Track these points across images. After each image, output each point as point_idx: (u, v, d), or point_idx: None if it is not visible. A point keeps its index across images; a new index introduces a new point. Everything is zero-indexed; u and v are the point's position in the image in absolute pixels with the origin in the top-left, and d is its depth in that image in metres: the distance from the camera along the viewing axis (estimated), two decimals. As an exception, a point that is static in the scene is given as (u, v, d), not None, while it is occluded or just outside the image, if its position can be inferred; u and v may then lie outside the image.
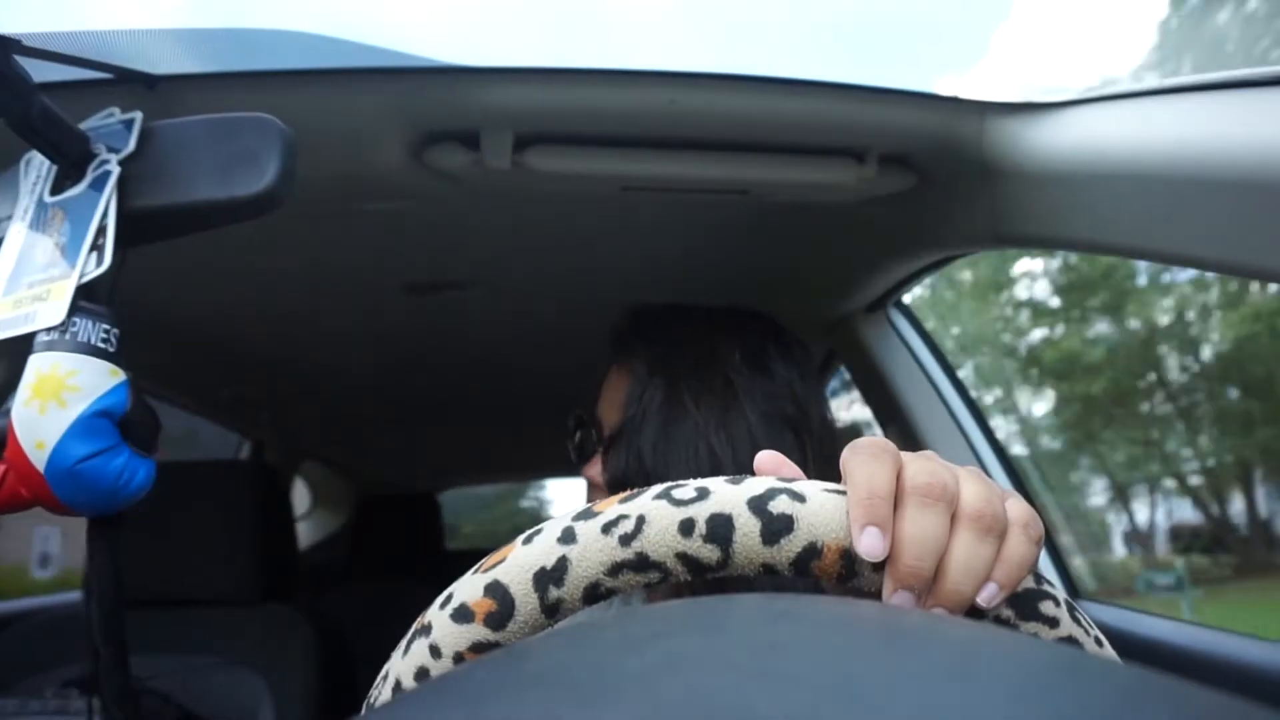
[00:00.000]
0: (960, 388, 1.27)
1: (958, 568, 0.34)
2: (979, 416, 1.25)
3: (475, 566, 0.36)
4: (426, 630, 0.35)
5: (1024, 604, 0.35)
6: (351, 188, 0.90)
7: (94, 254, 0.54)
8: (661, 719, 0.17)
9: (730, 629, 0.23)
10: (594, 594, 0.34)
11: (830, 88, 0.78)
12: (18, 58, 0.51)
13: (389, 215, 1.01)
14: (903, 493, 0.35)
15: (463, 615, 0.34)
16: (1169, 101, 0.65)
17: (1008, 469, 1.22)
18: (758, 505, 0.34)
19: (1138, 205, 0.67)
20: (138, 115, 0.58)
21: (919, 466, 0.36)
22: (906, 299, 1.31)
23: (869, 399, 1.37)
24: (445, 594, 0.36)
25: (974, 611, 0.35)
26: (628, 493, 0.36)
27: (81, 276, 0.53)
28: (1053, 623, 0.35)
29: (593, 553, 0.34)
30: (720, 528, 0.34)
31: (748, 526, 0.34)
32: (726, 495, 0.34)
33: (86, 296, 0.53)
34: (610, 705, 0.18)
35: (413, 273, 1.28)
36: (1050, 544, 1.18)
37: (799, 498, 0.34)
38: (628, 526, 0.34)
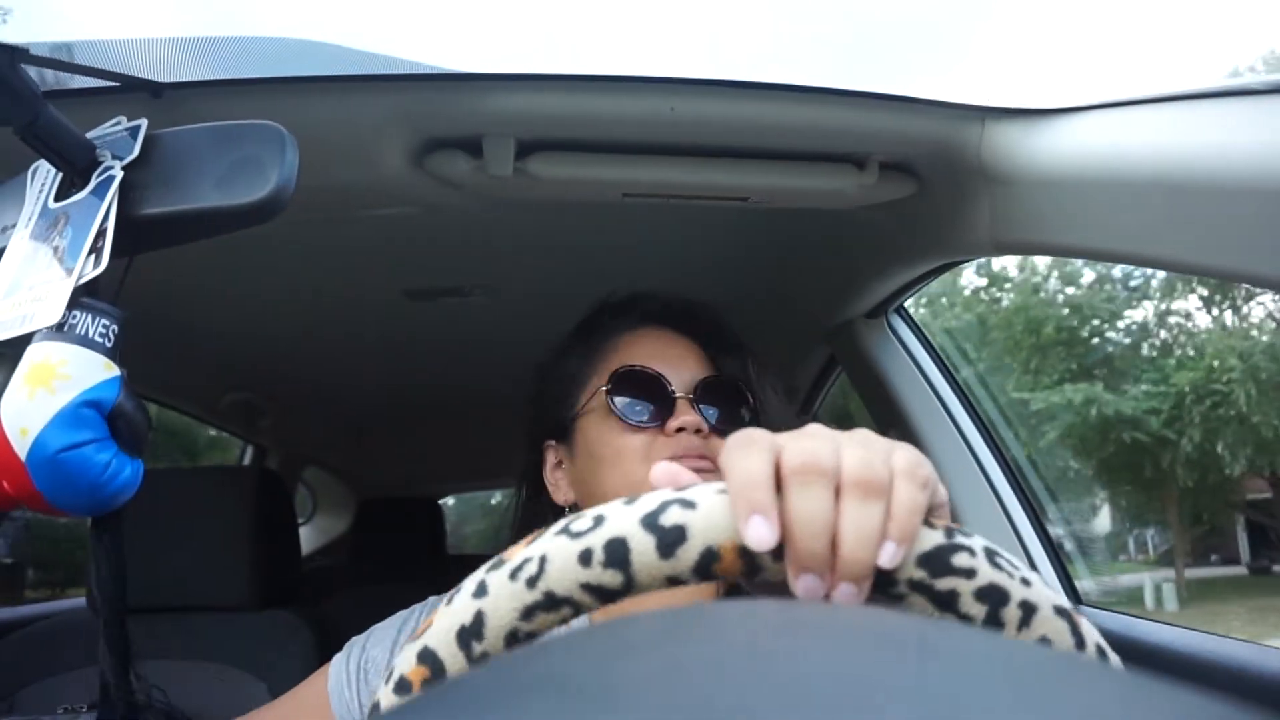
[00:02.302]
0: (961, 393, 1.27)
1: (848, 537, 0.34)
2: (979, 421, 1.25)
3: (412, 633, 0.37)
4: (376, 708, 0.37)
5: (935, 562, 0.34)
6: (354, 194, 0.91)
7: (92, 256, 0.54)
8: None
9: (731, 635, 0.23)
10: (515, 640, 0.35)
11: (830, 94, 0.78)
12: (25, 66, 0.52)
13: (391, 221, 1.01)
14: (783, 477, 0.35)
15: (403, 687, 0.35)
16: (1168, 109, 0.66)
17: (1009, 473, 1.22)
18: (650, 521, 0.34)
19: (1136, 211, 0.67)
20: (143, 122, 0.58)
21: (794, 447, 0.35)
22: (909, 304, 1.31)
23: (869, 405, 1.37)
24: (390, 666, 0.37)
25: (884, 578, 0.34)
26: (534, 534, 0.36)
27: (79, 278, 0.53)
28: (969, 574, 0.34)
29: (504, 601, 0.34)
30: (617, 551, 0.34)
31: (643, 545, 0.34)
32: (620, 518, 0.35)
33: (89, 294, 0.53)
34: (612, 711, 0.18)
35: (415, 279, 1.28)
36: (1052, 550, 1.18)
37: (689, 505, 0.34)
38: (532, 569, 0.34)
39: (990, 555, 0.35)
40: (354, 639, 0.77)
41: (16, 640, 1.19)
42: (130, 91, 0.69)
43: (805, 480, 0.34)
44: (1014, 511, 1.18)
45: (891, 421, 1.28)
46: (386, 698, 0.35)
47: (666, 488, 0.37)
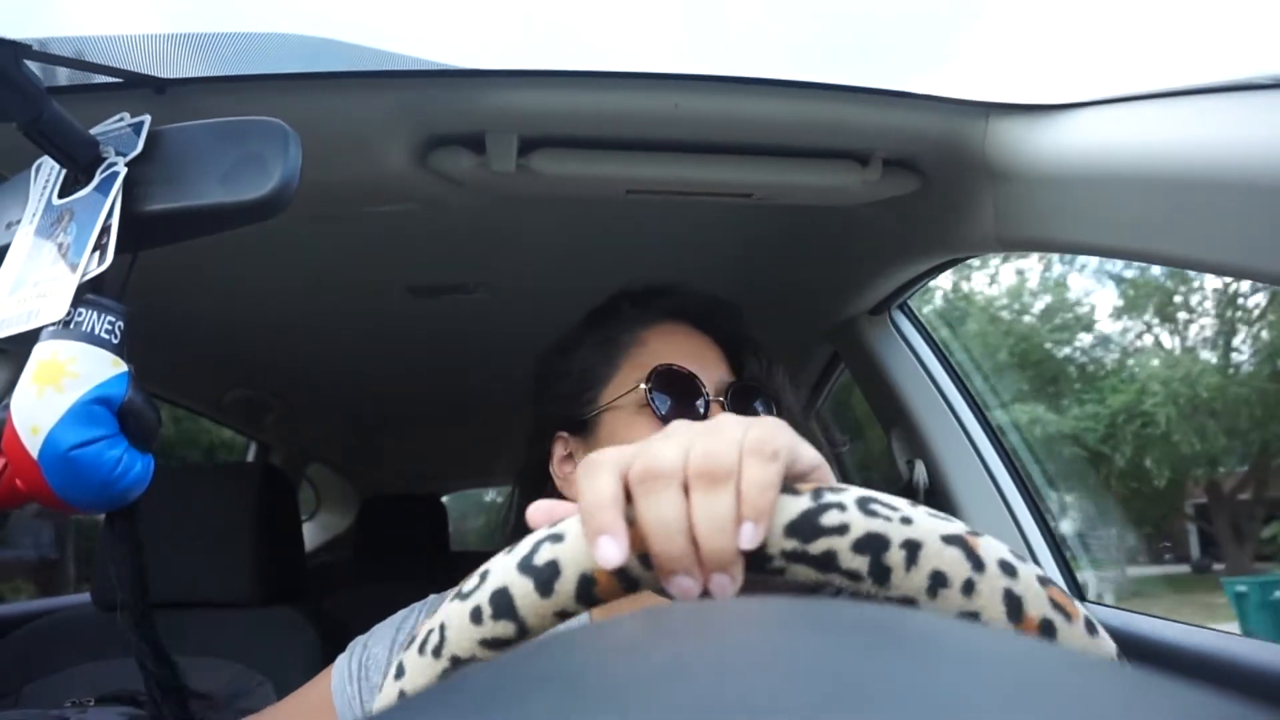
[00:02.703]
0: (965, 391, 1.26)
1: (703, 529, 0.34)
2: (983, 419, 1.25)
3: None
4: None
5: (804, 528, 0.34)
6: (357, 191, 0.91)
7: (96, 253, 0.54)
8: None
9: (734, 632, 0.23)
10: None
11: (834, 90, 0.78)
12: (29, 63, 0.52)
13: (394, 218, 1.01)
14: (631, 489, 0.35)
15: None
16: (1173, 104, 0.65)
17: (1012, 470, 1.22)
18: (526, 564, 0.35)
19: (1141, 208, 0.67)
20: (146, 118, 0.58)
21: (641, 457, 0.36)
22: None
23: (872, 402, 1.37)
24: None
25: (758, 556, 0.34)
26: (442, 600, 0.38)
27: (84, 275, 0.53)
28: (842, 530, 0.34)
29: (420, 677, 0.35)
30: (502, 601, 0.35)
31: (523, 589, 0.34)
32: (500, 568, 0.35)
33: (94, 291, 0.53)
34: (615, 709, 0.18)
35: (418, 275, 1.28)
36: (1055, 544, 1.18)
37: (558, 539, 0.35)
38: (435, 639, 0.35)
39: (864, 504, 0.35)
40: (357, 638, 0.77)
41: (21, 635, 1.19)
42: (134, 88, 0.69)
43: (649, 487, 0.35)
44: (1017, 507, 1.18)
45: (894, 418, 1.28)
46: None
47: (543, 526, 0.37)
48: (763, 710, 0.17)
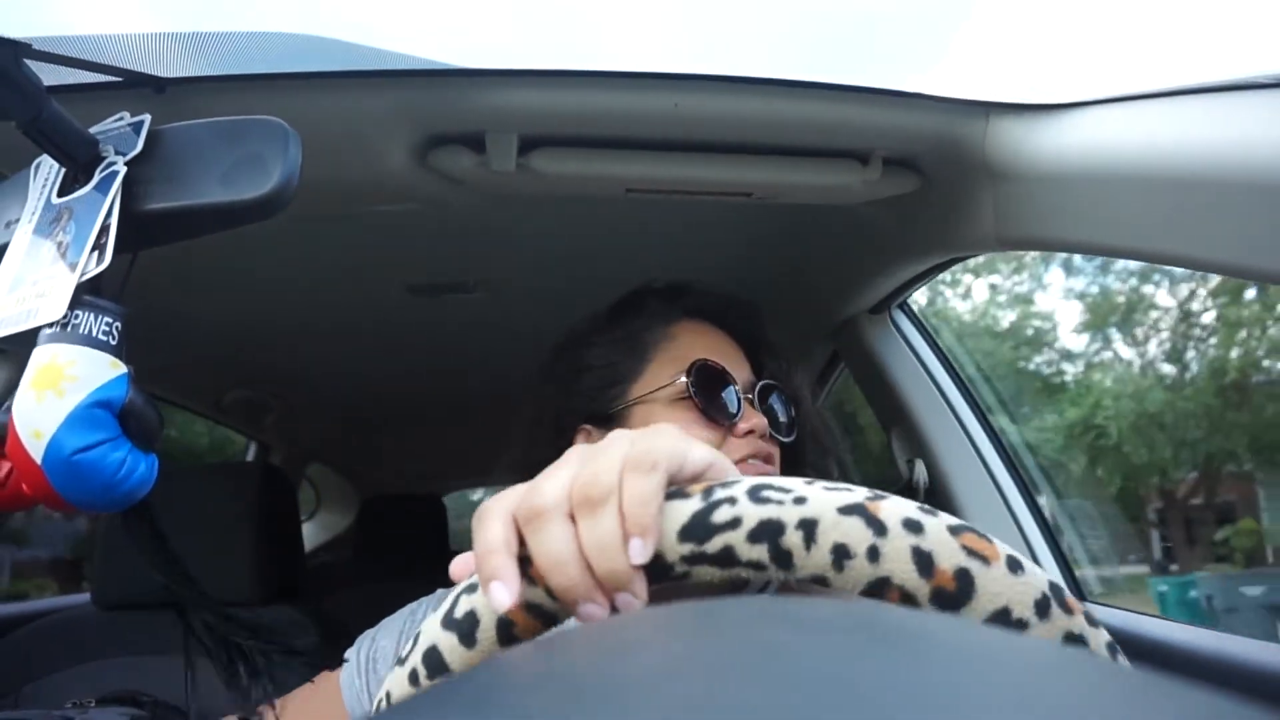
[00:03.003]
0: (964, 390, 1.26)
1: (592, 553, 0.34)
2: (983, 418, 1.25)
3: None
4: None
5: (696, 529, 0.34)
6: (356, 190, 0.91)
7: (95, 253, 0.54)
8: None
9: (730, 632, 0.23)
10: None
11: (834, 90, 0.78)
12: (28, 62, 0.52)
13: (394, 218, 1.01)
14: (520, 530, 0.36)
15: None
16: (1173, 103, 0.65)
17: (1012, 470, 1.22)
18: (449, 620, 0.37)
19: (1141, 207, 0.67)
20: (146, 118, 0.58)
21: (525, 496, 0.36)
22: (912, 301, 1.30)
23: (872, 401, 1.37)
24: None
25: (658, 567, 0.34)
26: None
27: (83, 275, 0.53)
28: (735, 523, 0.34)
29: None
30: (433, 660, 0.36)
31: (450, 644, 0.36)
32: (430, 628, 0.37)
33: (91, 291, 0.53)
34: (612, 709, 0.18)
35: (417, 275, 1.28)
36: (1055, 544, 1.18)
37: (473, 589, 0.37)
38: (384, 706, 0.36)
39: (754, 493, 0.34)
40: (366, 632, 0.78)
41: (21, 636, 1.19)
42: (133, 87, 0.69)
43: (534, 525, 0.35)
44: (1017, 506, 1.18)
45: (895, 418, 1.28)
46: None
47: (463, 578, 0.38)
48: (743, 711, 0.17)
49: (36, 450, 0.49)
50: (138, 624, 1.19)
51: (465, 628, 0.36)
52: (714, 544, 0.34)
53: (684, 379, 0.74)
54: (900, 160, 0.87)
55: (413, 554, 2.54)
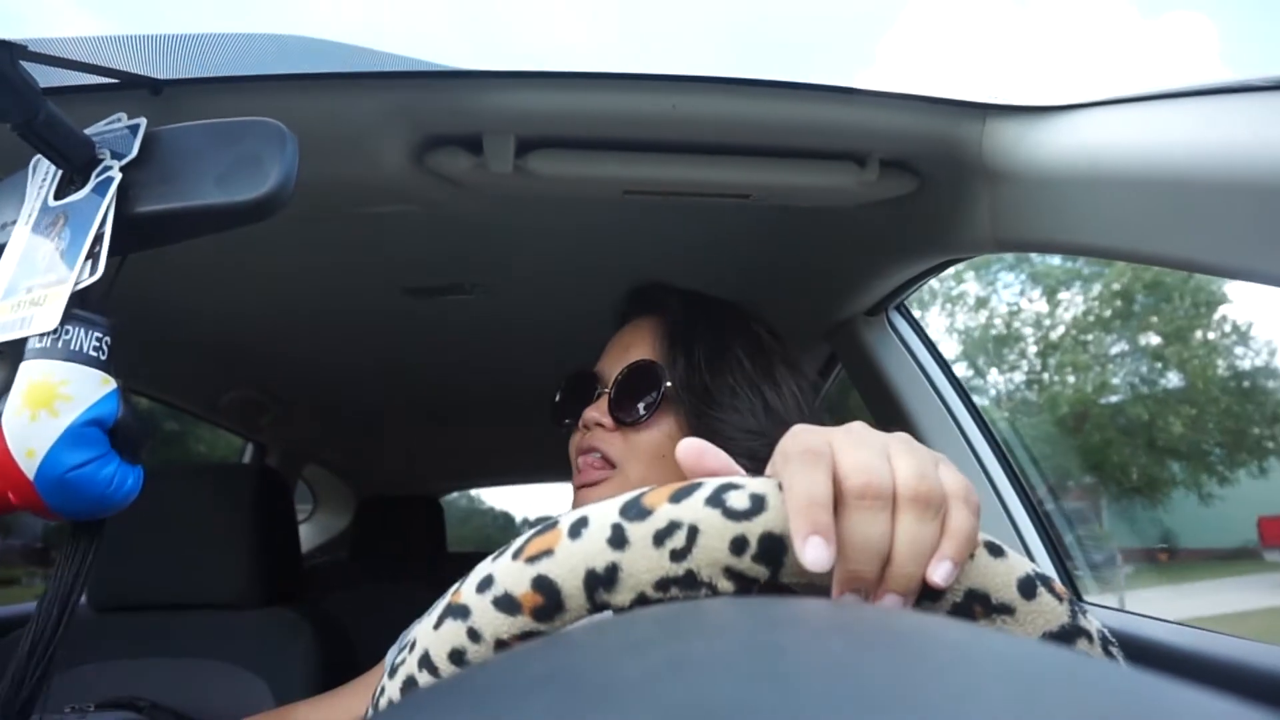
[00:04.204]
0: (961, 391, 1.27)
1: (905, 553, 0.33)
2: (980, 420, 1.25)
3: (515, 549, 0.35)
4: (462, 612, 0.35)
5: (1026, 588, 0.35)
6: (354, 192, 0.91)
7: (89, 261, 0.54)
8: (664, 721, 0.17)
9: (733, 632, 0.23)
10: (644, 602, 0.34)
11: (831, 91, 0.78)
12: (24, 63, 0.51)
13: (391, 219, 1.01)
14: (842, 496, 0.34)
15: (508, 606, 0.34)
16: (1170, 106, 0.65)
17: (1009, 473, 1.22)
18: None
19: (1138, 209, 0.67)
20: (142, 121, 0.58)
21: (853, 464, 0.35)
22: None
23: (869, 403, 1.37)
24: (481, 575, 0.35)
25: (929, 592, 0.34)
26: (678, 487, 0.35)
27: (76, 284, 0.53)
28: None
29: (643, 566, 0.33)
30: (773, 548, 0.33)
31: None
32: (777, 511, 0.34)
33: (80, 304, 0.53)
34: (613, 709, 0.18)
35: (415, 276, 1.28)
36: (1053, 547, 1.18)
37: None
38: (679, 540, 0.33)
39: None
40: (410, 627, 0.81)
41: (15, 639, 1.19)
42: (130, 89, 0.69)
43: (865, 504, 0.34)
44: (1014, 509, 1.18)
45: (892, 419, 1.28)
46: (482, 608, 0.34)
47: (694, 463, 0.39)
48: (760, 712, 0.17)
49: (29, 467, 0.50)
50: (133, 626, 1.19)
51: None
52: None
53: (557, 393, 0.86)
54: (897, 162, 0.88)
55: (410, 555, 2.54)
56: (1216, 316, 14.03)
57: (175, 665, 1.14)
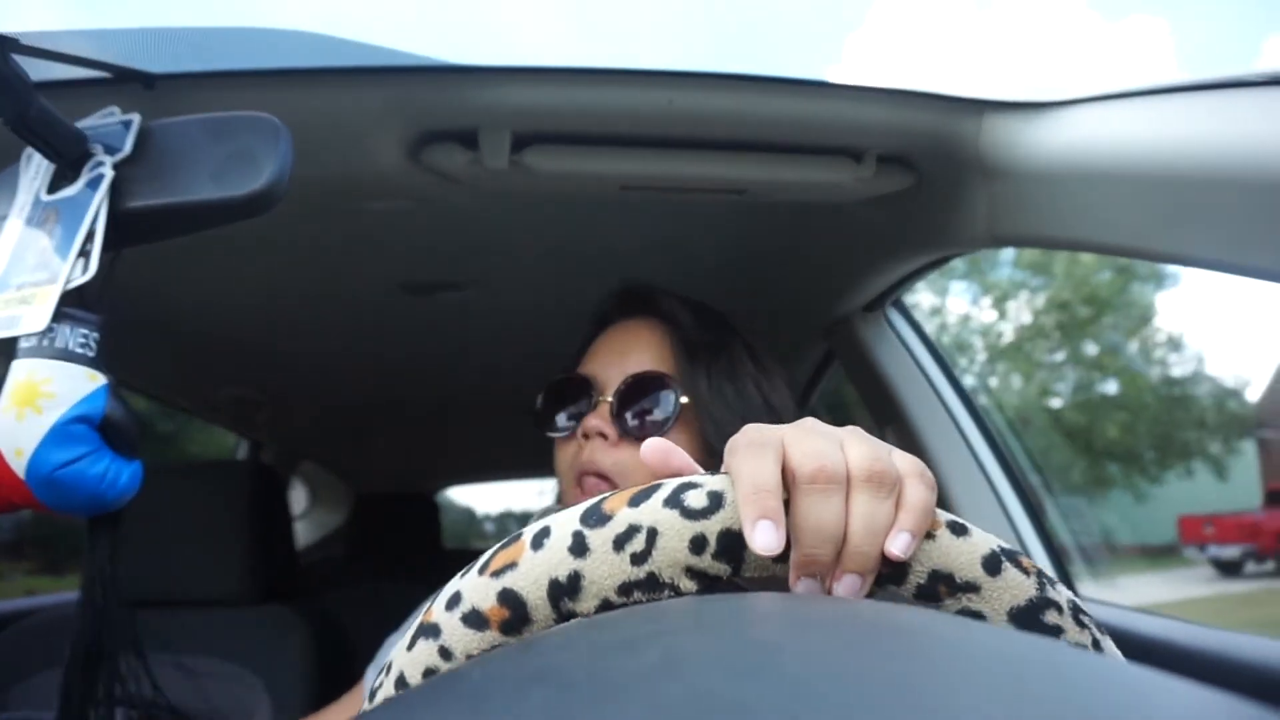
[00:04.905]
0: (958, 387, 1.27)
1: (860, 532, 0.33)
2: (977, 417, 1.25)
3: (481, 564, 0.35)
4: (434, 631, 0.35)
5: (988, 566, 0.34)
6: (349, 187, 0.90)
7: (81, 260, 0.53)
8: (661, 719, 0.17)
9: (729, 628, 0.23)
10: (608, 608, 0.34)
11: (828, 87, 0.78)
12: (15, 57, 0.51)
13: (386, 215, 1.01)
14: (793, 482, 0.34)
15: (476, 621, 0.34)
16: (1167, 101, 0.65)
17: (1007, 470, 1.22)
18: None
19: (1135, 204, 0.67)
20: (135, 117, 0.58)
21: (803, 451, 0.35)
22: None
23: (866, 400, 1.37)
24: (449, 592, 0.35)
25: (893, 575, 0.34)
26: (636, 490, 0.35)
27: (67, 283, 0.53)
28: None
29: (604, 571, 0.33)
30: (732, 544, 0.33)
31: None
32: (734, 507, 0.34)
33: (70, 302, 0.53)
34: (610, 705, 0.18)
35: (410, 272, 1.28)
36: (1049, 544, 1.18)
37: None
38: (639, 544, 0.33)
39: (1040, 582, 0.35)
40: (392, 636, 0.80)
41: (10, 635, 1.19)
42: (123, 82, 0.68)
43: (817, 488, 0.34)
44: (1011, 506, 1.18)
45: (889, 415, 1.28)
46: (451, 625, 0.34)
47: (658, 463, 0.39)
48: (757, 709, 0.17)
49: (19, 467, 0.50)
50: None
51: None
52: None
53: (539, 400, 0.81)
54: (894, 157, 0.87)
55: (406, 553, 2.54)
56: (1148, 329, 15.25)
57: (171, 662, 1.13)
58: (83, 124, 0.58)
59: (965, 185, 0.86)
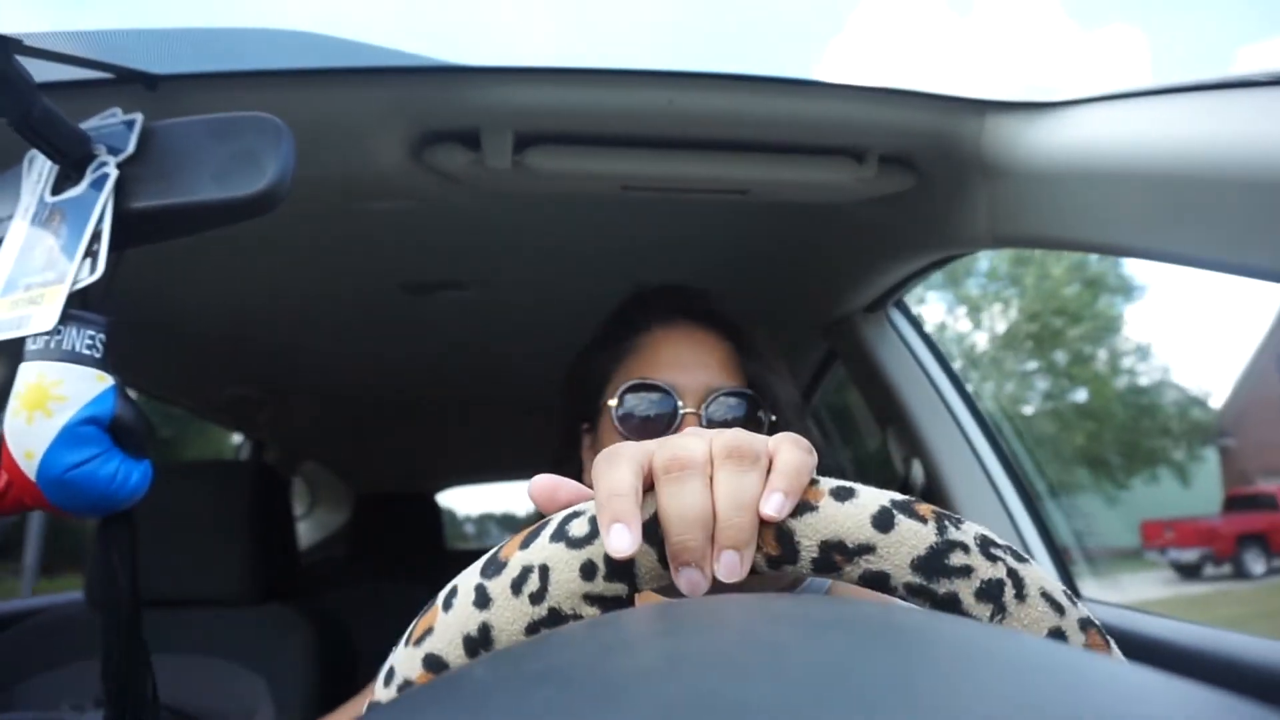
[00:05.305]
0: (960, 387, 1.27)
1: (726, 504, 0.33)
2: (978, 416, 1.25)
3: (406, 634, 0.36)
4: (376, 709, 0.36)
5: (930, 566, 0.33)
6: (351, 187, 0.91)
7: (88, 260, 0.53)
8: (661, 719, 0.17)
9: (730, 629, 0.23)
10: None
11: (829, 88, 0.78)
12: (19, 58, 0.51)
13: (389, 215, 1.01)
14: (654, 479, 0.35)
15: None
16: (1168, 101, 0.65)
17: (1007, 466, 1.22)
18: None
19: (1136, 205, 0.67)
20: (138, 117, 0.58)
21: (664, 449, 0.35)
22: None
23: (868, 399, 1.37)
24: (386, 668, 0.36)
25: (789, 551, 0.33)
26: (527, 532, 0.35)
27: (74, 284, 0.53)
28: (965, 573, 0.33)
29: (508, 617, 0.34)
30: (620, 564, 0.33)
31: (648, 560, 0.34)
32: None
33: (76, 304, 0.53)
34: (611, 705, 0.18)
35: (412, 272, 1.28)
36: (1050, 543, 1.18)
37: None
38: (534, 583, 0.33)
39: (985, 547, 0.34)
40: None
41: (15, 634, 1.19)
42: (125, 83, 0.68)
43: (675, 476, 0.34)
44: (1012, 504, 1.18)
45: (890, 415, 1.28)
46: (390, 698, 0.35)
47: (545, 501, 0.38)
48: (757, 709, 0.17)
49: (30, 469, 0.50)
50: None
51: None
52: (943, 587, 0.33)
53: (613, 402, 0.77)
54: (896, 158, 0.87)
55: (407, 553, 2.54)
56: (1117, 339, 15.66)
57: (173, 662, 1.13)
58: (85, 125, 0.58)
59: (967, 185, 0.86)
